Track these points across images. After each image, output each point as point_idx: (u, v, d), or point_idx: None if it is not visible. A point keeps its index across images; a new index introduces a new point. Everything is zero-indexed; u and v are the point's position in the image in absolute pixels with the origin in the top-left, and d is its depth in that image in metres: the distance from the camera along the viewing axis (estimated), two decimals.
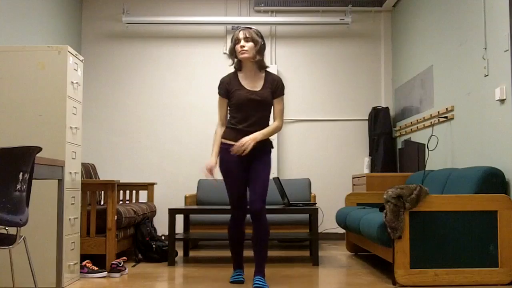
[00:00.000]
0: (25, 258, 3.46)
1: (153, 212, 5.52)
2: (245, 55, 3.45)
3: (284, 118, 3.77)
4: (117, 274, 3.94)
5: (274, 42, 6.68)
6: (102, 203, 5.52)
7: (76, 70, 3.76)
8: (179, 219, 6.39)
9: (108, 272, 3.95)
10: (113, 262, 3.98)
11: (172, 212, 4.53)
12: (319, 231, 6.39)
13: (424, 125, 5.37)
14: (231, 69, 3.64)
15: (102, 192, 5.47)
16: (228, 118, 3.58)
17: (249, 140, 3.38)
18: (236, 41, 3.49)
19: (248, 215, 3.79)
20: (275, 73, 6.21)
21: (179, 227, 6.39)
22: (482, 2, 4.10)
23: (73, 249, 3.67)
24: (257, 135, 3.43)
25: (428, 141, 4.93)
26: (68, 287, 3.54)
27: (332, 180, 6.55)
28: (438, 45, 5.05)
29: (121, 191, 5.54)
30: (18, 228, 2.54)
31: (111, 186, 4.12)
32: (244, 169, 3.50)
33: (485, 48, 4.05)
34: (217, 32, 6.70)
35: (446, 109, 4.76)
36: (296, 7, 6.54)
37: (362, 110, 6.63)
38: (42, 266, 3.47)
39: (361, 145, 6.59)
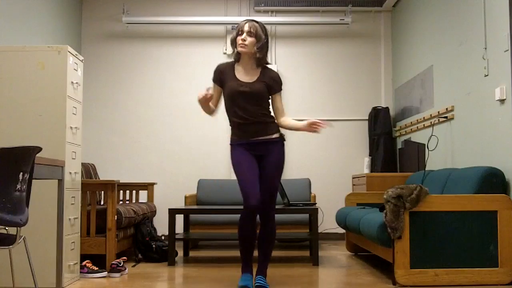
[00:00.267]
0: (25, 258, 3.46)
1: (153, 212, 5.52)
2: (243, 50, 3.34)
3: None
4: (117, 274, 3.94)
5: (274, 42, 6.68)
6: (102, 203, 5.52)
7: (76, 70, 3.76)
8: (179, 219, 6.39)
9: (108, 272, 3.95)
10: (113, 262, 3.98)
11: (172, 212, 4.53)
12: (319, 231, 6.39)
13: (424, 125, 5.37)
14: None
15: (102, 192, 5.47)
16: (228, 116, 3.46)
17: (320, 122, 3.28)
18: (239, 31, 3.36)
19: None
20: None
21: (179, 227, 6.38)
22: (482, 2, 4.10)
23: (73, 249, 3.67)
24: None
25: (428, 141, 4.93)
26: (68, 287, 3.54)
27: (332, 180, 6.55)
28: (438, 45, 5.05)
29: (121, 191, 5.53)
30: (18, 228, 2.54)
31: (111, 186, 4.12)
32: (256, 160, 3.36)
33: (485, 48, 4.05)
34: (217, 32, 6.70)
35: (446, 109, 4.76)
36: (296, 7, 6.54)
37: (362, 110, 6.63)
38: (42, 266, 3.47)
39: (361, 145, 6.59)
